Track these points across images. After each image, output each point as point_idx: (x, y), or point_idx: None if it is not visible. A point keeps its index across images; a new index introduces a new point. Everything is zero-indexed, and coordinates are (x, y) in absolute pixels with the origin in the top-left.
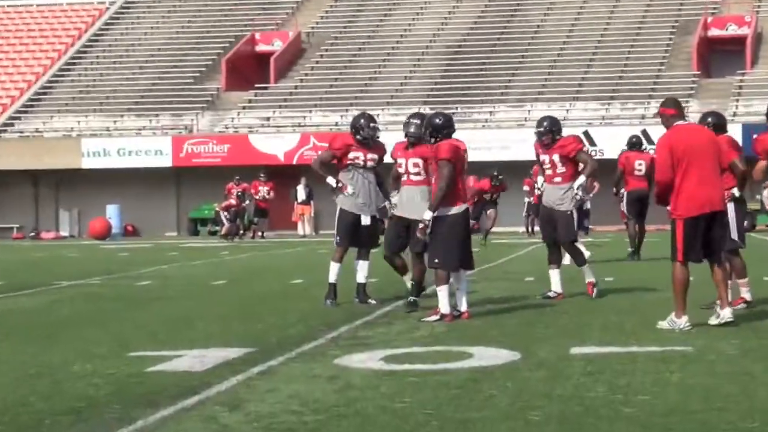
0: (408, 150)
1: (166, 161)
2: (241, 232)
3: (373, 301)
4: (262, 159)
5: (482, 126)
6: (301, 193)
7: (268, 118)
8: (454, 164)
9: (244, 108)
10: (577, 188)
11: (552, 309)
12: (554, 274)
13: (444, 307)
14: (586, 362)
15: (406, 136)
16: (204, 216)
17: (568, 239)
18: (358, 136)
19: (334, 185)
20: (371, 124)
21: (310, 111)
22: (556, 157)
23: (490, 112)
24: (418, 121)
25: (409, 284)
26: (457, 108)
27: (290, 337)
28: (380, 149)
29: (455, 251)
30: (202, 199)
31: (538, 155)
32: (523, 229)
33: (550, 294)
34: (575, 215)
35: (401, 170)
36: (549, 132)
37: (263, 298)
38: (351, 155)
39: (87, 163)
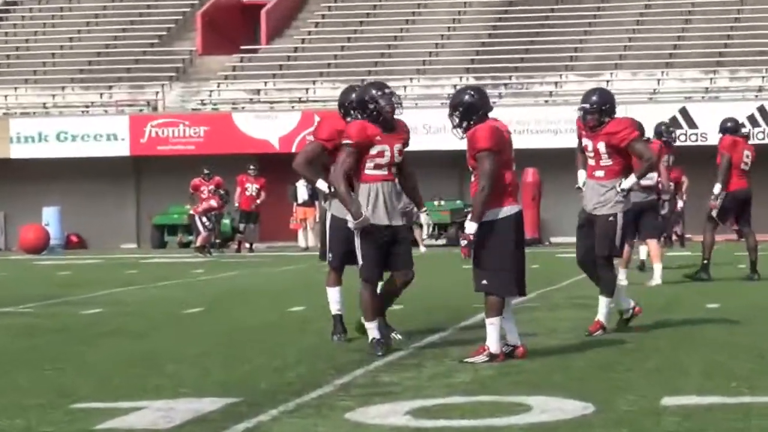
0: (387, 134)
1: (122, 149)
2: (218, 242)
3: (398, 336)
4: (251, 146)
5: (545, 101)
6: (302, 191)
7: (258, 92)
8: (497, 153)
9: (226, 78)
10: (622, 190)
11: (636, 346)
12: (620, 291)
13: (494, 344)
14: (683, 417)
15: (376, 112)
16: (173, 222)
17: (603, 253)
18: (348, 119)
19: (327, 190)
20: None
21: (314, 82)
22: (601, 146)
23: (556, 83)
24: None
25: (374, 333)
26: (510, 78)
27: (287, 383)
28: None
29: (509, 269)
30: (171, 200)
31: (580, 138)
32: None
33: (626, 315)
34: (620, 222)
35: (382, 161)
36: (597, 111)
37: (251, 332)
38: None
39: (17, 152)
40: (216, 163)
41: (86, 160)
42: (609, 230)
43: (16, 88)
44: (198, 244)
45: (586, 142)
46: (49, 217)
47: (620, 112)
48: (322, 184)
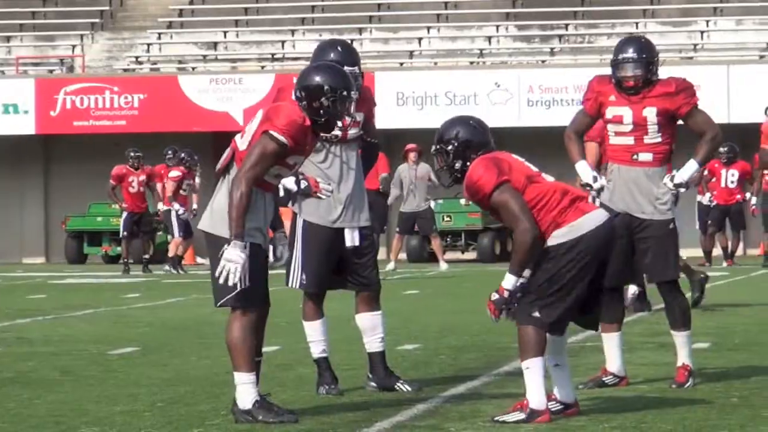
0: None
1: (24, 125)
2: (147, 256)
3: (407, 387)
4: (204, 120)
5: None
6: None
7: (214, 45)
8: (509, 182)
9: (169, 27)
10: (678, 185)
11: (742, 401)
12: (614, 342)
13: (536, 398)
14: None
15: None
16: (96, 227)
17: (669, 277)
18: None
19: (295, 187)
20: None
21: (293, 32)
22: (650, 113)
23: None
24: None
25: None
26: (567, 27)
27: None
28: (367, 101)
29: (569, 298)
30: (93, 197)
31: (600, 108)
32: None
33: (606, 380)
34: (678, 230)
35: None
36: (646, 63)
37: (204, 382)
38: None
39: None
40: (156, 144)
41: None
42: (670, 244)
43: None
44: (171, 252)
45: (617, 111)
46: None
47: (720, 72)
48: (289, 182)
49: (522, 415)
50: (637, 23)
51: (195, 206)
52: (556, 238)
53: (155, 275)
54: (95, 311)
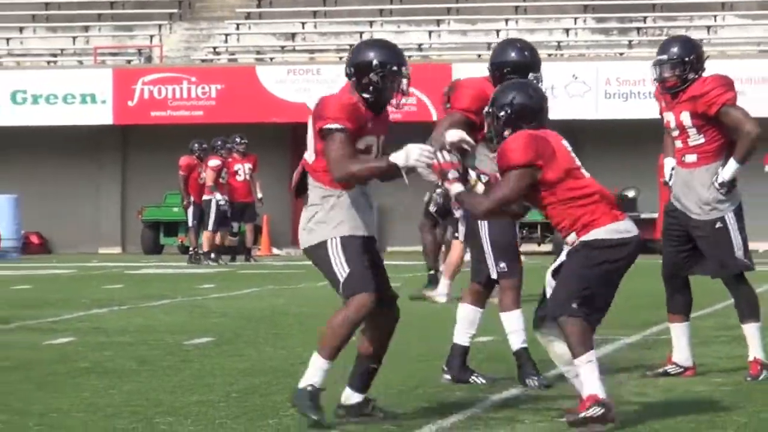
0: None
1: (102, 115)
2: (193, 250)
3: (481, 380)
4: (281, 111)
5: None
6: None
7: (292, 36)
8: (539, 170)
9: (247, 18)
10: (721, 185)
11: None
12: (680, 332)
13: (596, 388)
14: None
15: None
16: (172, 217)
17: (725, 275)
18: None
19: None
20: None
21: (371, 23)
22: (685, 117)
23: (709, 28)
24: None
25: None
26: (645, 20)
27: None
28: None
29: (606, 290)
30: (169, 187)
31: (662, 113)
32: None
33: (668, 369)
34: (733, 225)
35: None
36: (679, 65)
37: (279, 373)
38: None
39: None
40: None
41: (52, 131)
42: (722, 243)
43: None
44: (206, 247)
45: (667, 117)
46: (0, 210)
47: None
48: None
49: (599, 409)
50: (715, 16)
51: (260, 194)
52: (596, 234)
53: (231, 266)
54: (171, 301)
